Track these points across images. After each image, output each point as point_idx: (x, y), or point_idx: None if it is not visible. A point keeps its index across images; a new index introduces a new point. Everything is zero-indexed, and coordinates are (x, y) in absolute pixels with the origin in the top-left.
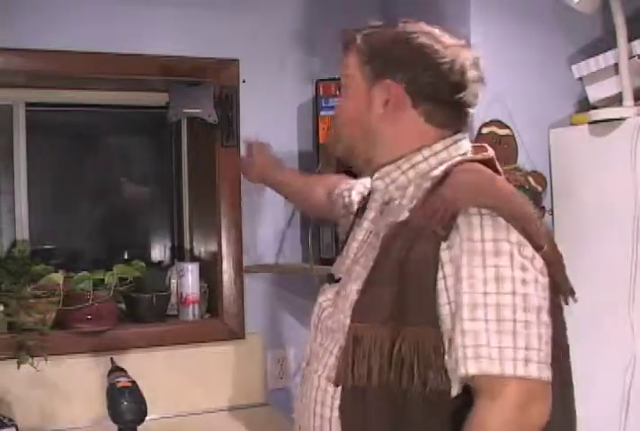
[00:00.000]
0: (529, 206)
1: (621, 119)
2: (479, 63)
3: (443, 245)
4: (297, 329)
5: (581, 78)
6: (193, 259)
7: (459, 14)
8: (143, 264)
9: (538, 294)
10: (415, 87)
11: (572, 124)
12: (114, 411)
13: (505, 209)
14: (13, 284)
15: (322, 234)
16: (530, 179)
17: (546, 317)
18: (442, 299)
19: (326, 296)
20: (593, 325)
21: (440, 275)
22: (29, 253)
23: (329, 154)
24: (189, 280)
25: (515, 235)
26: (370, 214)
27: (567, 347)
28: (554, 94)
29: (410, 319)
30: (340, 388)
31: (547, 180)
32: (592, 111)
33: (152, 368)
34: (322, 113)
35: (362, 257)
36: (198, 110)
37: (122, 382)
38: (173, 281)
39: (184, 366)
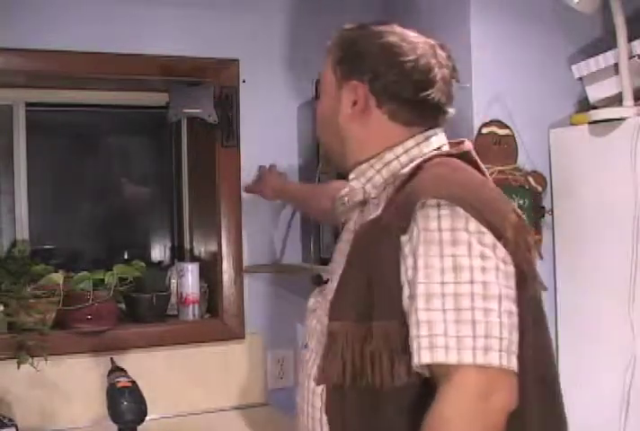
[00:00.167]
0: (500, 199)
1: (621, 119)
2: (452, 61)
3: (404, 238)
4: (297, 330)
5: (581, 78)
6: (193, 259)
7: (459, 14)
8: (143, 264)
9: (500, 282)
10: (380, 86)
11: (572, 124)
12: (114, 411)
13: (466, 199)
14: (13, 284)
15: (322, 234)
16: (530, 179)
17: (510, 306)
18: (405, 292)
19: (315, 298)
20: (593, 325)
21: (402, 268)
22: (29, 253)
23: None
24: (189, 280)
25: (474, 224)
26: (354, 214)
27: (545, 339)
28: (554, 94)
29: (378, 314)
30: (325, 389)
31: (547, 180)
32: (592, 111)
33: (152, 368)
34: None
35: (341, 257)
36: (198, 110)
37: (122, 382)
38: (173, 281)
39: (184, 366)
